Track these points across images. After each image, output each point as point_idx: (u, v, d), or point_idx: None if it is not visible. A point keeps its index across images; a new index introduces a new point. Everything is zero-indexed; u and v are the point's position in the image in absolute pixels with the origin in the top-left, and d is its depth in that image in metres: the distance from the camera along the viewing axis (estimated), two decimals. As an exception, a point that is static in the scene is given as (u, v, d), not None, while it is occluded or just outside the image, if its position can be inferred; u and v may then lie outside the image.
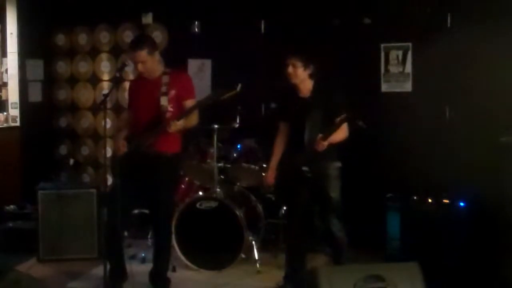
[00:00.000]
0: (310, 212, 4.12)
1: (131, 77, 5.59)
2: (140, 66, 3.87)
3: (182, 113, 3.86)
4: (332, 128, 3.65)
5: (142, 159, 3.84)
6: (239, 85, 3.71)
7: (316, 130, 3.73)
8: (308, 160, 3.79)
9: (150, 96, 3.89)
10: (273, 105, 5.21)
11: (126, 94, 4.66)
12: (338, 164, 3.94)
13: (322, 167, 3.86)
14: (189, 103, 3.94)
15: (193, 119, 3.95)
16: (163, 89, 3.89)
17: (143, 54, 3.84)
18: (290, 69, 3.88)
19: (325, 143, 3.67)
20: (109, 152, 5.06)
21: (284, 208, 4.82)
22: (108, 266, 3.82)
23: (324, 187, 3.90)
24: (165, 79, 3.93)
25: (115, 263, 4.01)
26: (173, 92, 3.90)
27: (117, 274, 4.03)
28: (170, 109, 3.87)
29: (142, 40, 3.98)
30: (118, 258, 4.06)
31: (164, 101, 3.86)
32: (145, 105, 3.93)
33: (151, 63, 3.91)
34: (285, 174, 4.00)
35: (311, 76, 3.91)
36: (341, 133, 3.79)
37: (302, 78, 3.89)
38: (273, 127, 4.26)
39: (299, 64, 3.85)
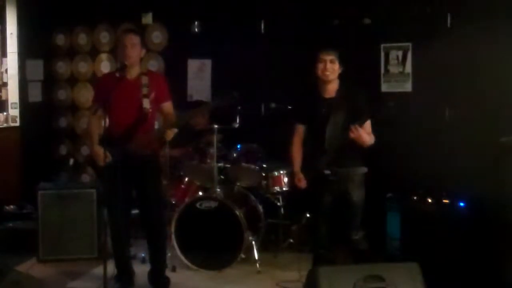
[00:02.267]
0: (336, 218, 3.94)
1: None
2: (129, 49, 3.83)
3: (181, 120, 3.88)
4: (365, 116, 3.55)
5: (127, 162, 3.80)
6: (237, 93, 3.72)
7: (337, 132, 3.66)
8: (330, 163, 3.70)
9: (131, 97, 3.85)
10: (273, 105, 5.20)
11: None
12: (364, 169, 3.83)
13: (346, 171, 3.76)
14: (167, 105, 3.99)
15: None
16: (144, 90, 3.86)
17: (137, 38, 3.89)
18: (328, 65, 3.70)
19: (360, 132, 3.55)
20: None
21: (308, 213, 4.82)
22: (115, 271, 3.95)
23: (347, 192, 3.79)
24: (145, 80, 3.90)
25: (122, 266, 4.08)
26: (153, 94, 3.90)
27: (125, 278, 4.09)
28: (150, 110, 3.87)
29: (139, 31, 4.16)
30: (124, 262, 4.11)
31: (146, 103, 3.84)
32: (125, 106, 3.85)
33: (138, 53, 3.91)
34: (307, 178, 3.86)
35: (339, 75, 3.79)
36: (371, 136, 3.70)
37: (336, 75, 3.76)
38: (273, 127, 4.25)
39: (337, 60, 3.72)
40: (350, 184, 3.79)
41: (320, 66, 3.73)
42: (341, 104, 3.73)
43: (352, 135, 3.57)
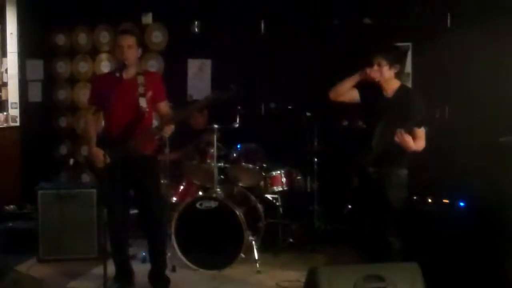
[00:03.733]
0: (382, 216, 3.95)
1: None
2: (126, 51, 3.83)
3: (179, 115, 3.89)
4: (413, 123, 3.56)
5: (125, 162, 3.80)
6: (234, 86, 3.71)
7: (388, 132, 3.66)
8: (375, 162, 3.77)
9: (128, 97, 3.84)
10: (273, 105, 5.21)
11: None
12: (405, 171, 3.85)
13: (385, 171, 3.80)
14: (163, 105, 3.99)
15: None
16: (141, 90, 3.86)
17: (132, 39, 3.88)
18: (375, 68, 3.76)
19: (405, 138, 3.58)
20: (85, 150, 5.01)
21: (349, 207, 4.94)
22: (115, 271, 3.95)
23: (385, 192, 3.81)
24: (141, 79, 3.90)
25: (122, 266, 4.09)
26: (150, 94, 3.90)
27: (125, 278, 4.10)
28: (147, 110, 3.87)
29: (135, 31, 4.12)
30: (124, 262, 4.11)
31: (143, 102, 3.83)
32: (122, 106, 3.85)
33: (135, 53, 3.91)
34: (352, 172, 3.99)
35: (396, 75, 3.81)
36: (421, 142, 3.71)
37: (387, 77, 3.78)
38: (273, 127, 4.25)
39: (384, 63, 3.75)
40: (388, 185, 3.82)
41: (371, 67, 3.79)
42: (396, 105, 3.75)
43: (396, 139, 3.60)
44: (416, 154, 3.75)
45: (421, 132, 3.72)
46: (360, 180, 3.92)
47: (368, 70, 3.75)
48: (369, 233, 4.00)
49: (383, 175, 3.81)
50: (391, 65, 3.76)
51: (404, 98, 3.78)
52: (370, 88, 3.90)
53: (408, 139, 3.60)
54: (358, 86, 3.93)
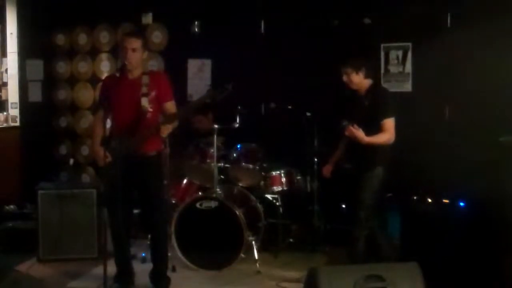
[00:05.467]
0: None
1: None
2: (130, 54, 3.82)
3: (175, 115, 3.87)
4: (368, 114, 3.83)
5: (129, 162, 3.79)
6: (231, 84, 3.71)
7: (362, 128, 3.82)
8: (351, 160, 3.99)
9: (131, 97, 3.85)
10: (273, 105, 5.21)
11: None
12: (377, 171, 3.98)
13: (361, 169, 3.97)
14: (169, 105, 3.97)
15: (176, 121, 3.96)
16: (144, 89, 3.86)
17: (138, 42, 3.86)
18: (345, 78, 4.02)
19: (354, 131, 3.78)
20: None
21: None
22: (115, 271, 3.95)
23: (358, 190, 3.97)
24: (145, 79, 3.90)
25: (123, 266, 4.08)
26: (153, 93, 3.89)
27: (125, 278, 4.10)
28: (150, 109, 3.86)
29: (142, 33, 4.14)
30: (125, 261, 4.11)
31: (144, 102, 3.83)
32: (125, 106, 3.87)
33: (140, 56, 3.89)
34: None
35: (366, 76, 4.01)
36: (386, 135, 3.91)
37: (357, 81, 4.01)
38: (273, 127, 4.26)
39: (349, 71, 3.99)
40: (362, 183, 3.96)
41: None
42: (366, 103, 3.95)
43: (347, 133, 3.84)
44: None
45: (388, 124, 3.90)
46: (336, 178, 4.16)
47: (347, 131, 3.89)
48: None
49: (357, 173, 3.98)
50: (357, 70, 3.99)
51: (372, 95, 3.97)
52: (350, 98, 4.13)
53: (358, 132, 3.79)
54: (341, 100, 4.23)
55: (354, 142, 3.88)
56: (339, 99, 4.34)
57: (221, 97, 3.75)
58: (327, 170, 4.48)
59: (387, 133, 3.91)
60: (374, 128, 3.87)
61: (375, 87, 4.08)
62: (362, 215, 3.96)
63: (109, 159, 3.78)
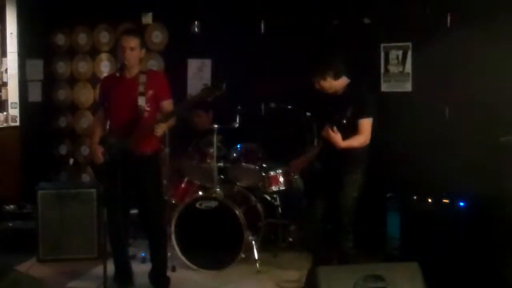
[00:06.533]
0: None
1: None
2: (128, 53, 3.83)
3: (168, 114, 3.85)
4: (344, 115, 3.59)
5: (126, 161, 3.78)
6: (224, 84, 3.69)
7: (338, 129, 3.67)
8: (324, 161, 3.83)
9: (128, 96, 3.85)
10: (273, 105, 5.20)
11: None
12: (357, 175, 3.84)
13: (338, 172, 3.84)
14: (166, 103, 3.96)
15: (173, 120, 3.94)
16: (141, 88, 3.86)
17: (136, 41, 3.87)
18: (317, 87, 3.87)
19: (331, 134, 3.62)
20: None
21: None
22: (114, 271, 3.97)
23: (338, 195, 3.85)
24: (142, 78, 3.90)
25: (122, 266, 4.09)
26: (150, 92, 3.89)
27: (125, 278, 4.10)
28: (147, 108, 3.86)
29: (139, 32, 4.15)
30: (124, 261, 4.11)
31: (141, 101, 3.83)
32: (122, 105, 3.88)
33: (137, 55, 3.90)
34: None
35: (335, 76, 3.83)
36: (361, 137, 3.74)
37: (330, 85, 3.85)
38: (273, 127, 4.25)
39: (317, 79, 3.84)
40: (339, 187, 3.84)
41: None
42: (343, 101, 3.76)
43: (324, 134, 3.68)
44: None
45: (365, 124, 3.73)
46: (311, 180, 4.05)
47: (325, 132, 3.72)
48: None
49: (335, 176, 3.85)
50: (323, 77, 3.82)
51: (350, 94, 3.82)
52: (317, 104, 4.02)
53: (336, 137, 3.62)
54: (309, 107, 4.14)
55: (331, 144, 3.72)
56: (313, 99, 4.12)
57: (214, 96, 3.72)
58: (297, 166, 4.16)
59: (362, 135, 3.74)
60: (351, 129, 3.71)
61: (354, 87, 3.88)
62: (345, 221, 3.85)
63: (106, 158, 3.79)
